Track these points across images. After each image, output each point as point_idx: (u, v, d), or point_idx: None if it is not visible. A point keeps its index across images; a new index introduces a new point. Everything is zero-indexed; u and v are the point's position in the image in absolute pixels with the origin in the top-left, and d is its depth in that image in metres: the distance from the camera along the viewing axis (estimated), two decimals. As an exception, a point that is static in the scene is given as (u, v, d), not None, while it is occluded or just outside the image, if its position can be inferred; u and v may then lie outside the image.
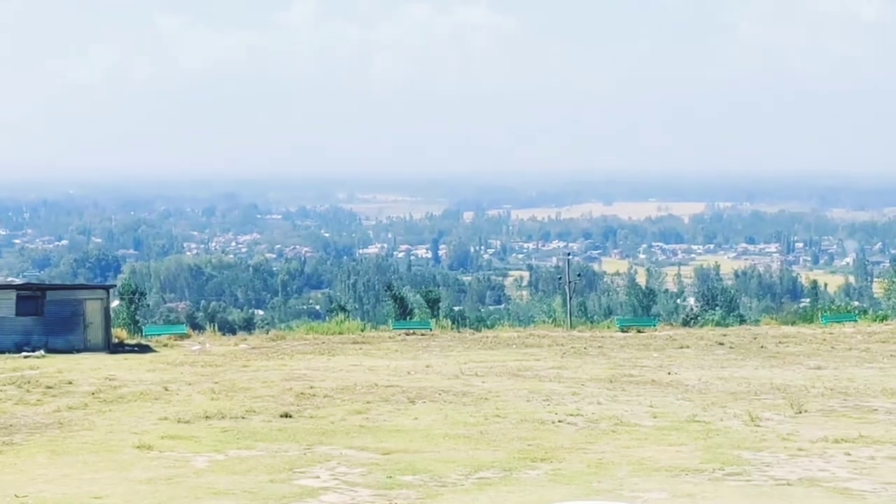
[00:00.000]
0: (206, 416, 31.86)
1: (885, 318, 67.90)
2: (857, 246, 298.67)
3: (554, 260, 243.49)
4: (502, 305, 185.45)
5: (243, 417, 32.03)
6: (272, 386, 38.19)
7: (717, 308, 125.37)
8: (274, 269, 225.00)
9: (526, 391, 36.83)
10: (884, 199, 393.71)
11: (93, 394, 36.42)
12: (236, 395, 36.13)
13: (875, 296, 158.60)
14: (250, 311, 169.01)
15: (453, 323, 71.46)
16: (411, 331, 58.23)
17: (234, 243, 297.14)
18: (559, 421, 31.06)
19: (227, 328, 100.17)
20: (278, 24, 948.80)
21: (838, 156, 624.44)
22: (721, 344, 50.99)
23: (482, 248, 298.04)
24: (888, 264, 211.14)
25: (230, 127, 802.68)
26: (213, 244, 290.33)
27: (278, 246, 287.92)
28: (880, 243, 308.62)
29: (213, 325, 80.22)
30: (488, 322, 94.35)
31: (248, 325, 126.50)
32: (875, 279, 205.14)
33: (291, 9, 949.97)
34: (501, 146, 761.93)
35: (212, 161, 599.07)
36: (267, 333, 64.25)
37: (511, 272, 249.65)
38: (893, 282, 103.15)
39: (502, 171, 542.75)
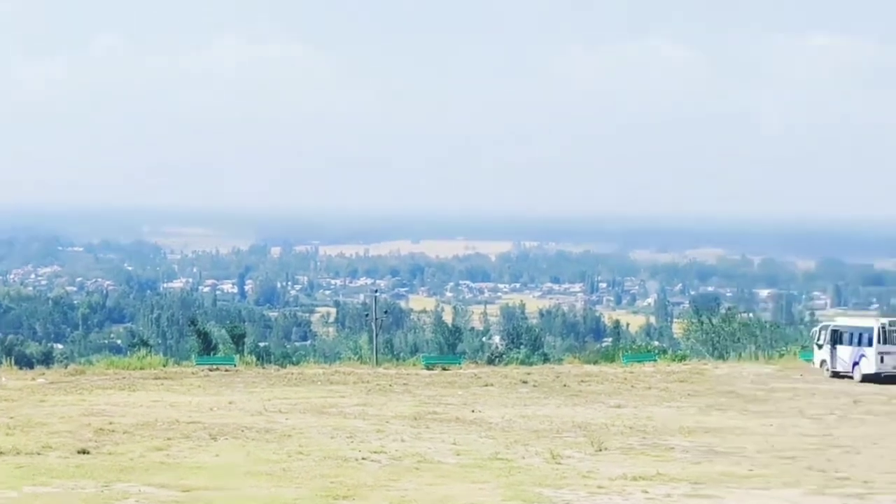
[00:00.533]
0: (0, 453, 30.65)
1: (683, 357, 69.70)
2: (658, 287, 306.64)
3: (361, 297, 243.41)
4: (308, 342, 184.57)
5: (39, 453, 30.92)
6: (70, 421, 37.05)
7: (522, 346, 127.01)
8: (75, 302, 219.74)
9: (330, 428, 36.53)
10: (685, 242, 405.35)
11: None
12: (32, 431, 34.91)
13: (674, 336, 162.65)
14: (49, 344, 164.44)
15: (258, 359, 70.57)
16: (215, 366, 57.38)
17: (33, 276, 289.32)
18: (362, 458, 30.83)
19: (25, 362, 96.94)
20: (84, 55, 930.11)
21: (643, 197, 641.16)
22: (525, 382, 51.50)
23: (289, 283, 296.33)
24: (687, 305, 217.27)
25: (32, 156, 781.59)
26: (12, 276, 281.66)
27: (80, 279, 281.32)
28: (681, 284, 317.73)
29: (10, 359, 77.40)
30: (294, 358, 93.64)
31: (47, 359, 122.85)
32: (675, 319, 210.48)
33: (97, 40, 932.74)
34: (310, 182, 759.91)
35: (11, 191, 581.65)
36: (66, 368, 62.55)
37: (318, 308, 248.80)
38: (692, 322, 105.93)
39: (310, 206, 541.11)
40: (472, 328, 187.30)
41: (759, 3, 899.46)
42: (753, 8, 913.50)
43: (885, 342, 52.95)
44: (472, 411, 41.51)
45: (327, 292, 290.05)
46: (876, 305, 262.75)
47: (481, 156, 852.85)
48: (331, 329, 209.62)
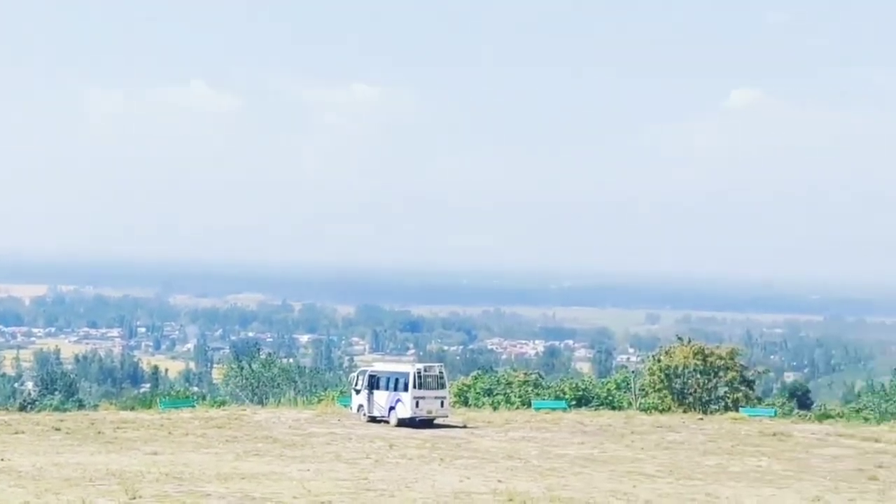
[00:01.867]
0: None
1: (222, 403, 69.15)
2: (198, 332, 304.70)
3: None
4: None
5: None
6: None
7: (56, 393, 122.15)
8: None
9: None
10: (226, 287, 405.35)
11: None
12: None
13: (214, 381, 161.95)
14: None
15: None
16: None
17: None
18: None
19: None
20: None
21: (182, 239, 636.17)
22: (58, 429, 49.30)
23: None
24: (227, 350, 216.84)
25: None
26: None
27: None
28: (221, 329, 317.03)
29: None
30: None
31: None
32: (215, 365, 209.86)
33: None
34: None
35: None
36: None
37: None
38: (232, 368, 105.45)
39: None
40: (4, 374, 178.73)
41: (299, 52, 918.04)
42: (293, 56, 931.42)
43: (420, 387, 54.59)
44: (1, 460, 39.12)
45: None
46: (412, 351, 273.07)
47: (22, 197, 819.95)
48: None
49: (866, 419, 77.00)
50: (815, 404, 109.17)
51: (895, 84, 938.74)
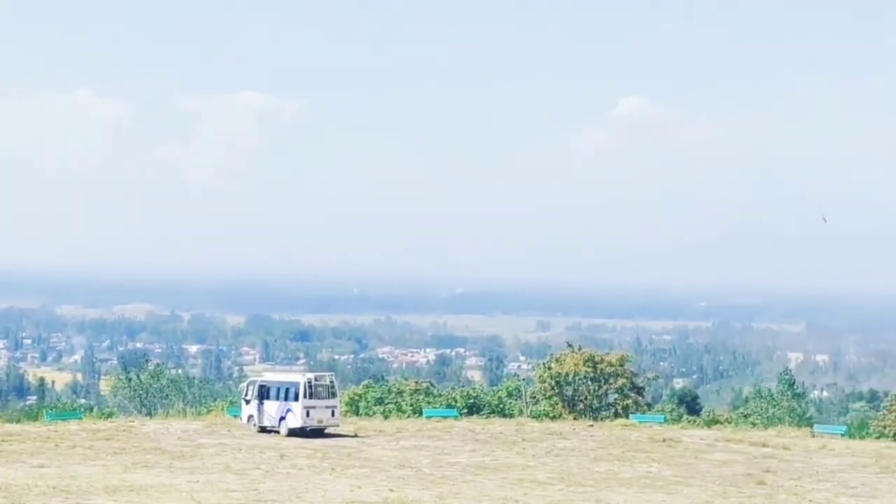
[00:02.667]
0: None
1: (110, 415, 68.10)
2: (85, 343, 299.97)
3: None
4: None
5: None
6: None
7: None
8: None
9: None
10: (114, 297, 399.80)
11: None
12: None
13: (102, 393, 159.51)
14: None
15: None
16: None
17: None
18: None
19: None
20: None
21: (69, 250, 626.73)
22: (-62, 444, 48.09)
23: None
24: (115, 361, 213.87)
25: None
26: None
27: None
28: (109, 340, 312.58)
29: None
30: None
31: None
32: (103, 376, 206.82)
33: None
34: None
35: None
36: None
37: None
38: (120, 379, 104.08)
39: None
40: None
41: (188, 59, 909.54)
42: (183, 64, 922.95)
43: (310, 397, 54.29)
44: None
45: None
46: (303, 360, 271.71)
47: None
48: None
49: (754, 424, 78.29)
50: (703, 410, 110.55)
51: (783, 91, 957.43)
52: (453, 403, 75.28)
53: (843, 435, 60.64)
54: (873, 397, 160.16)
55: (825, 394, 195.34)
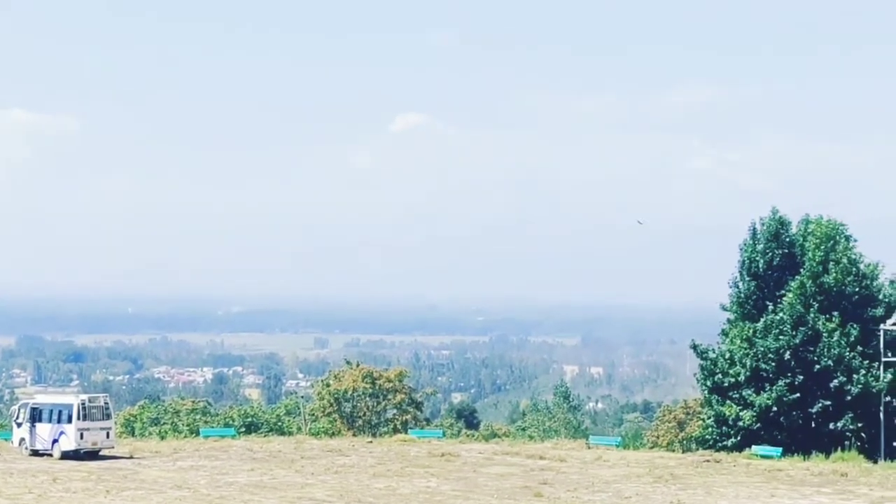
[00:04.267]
0: None
1: None
2: None
3: None
4: None
5: None
6: None
7: None
8: None
9: None
10: None
11: None
12: None
13: None
14: None
15: None
16: None
17: None
18: None
19: None
20: None
21: None
22: None
23: None
24: None
25: None
26: None
27: None
28: None
29: None
30: None
31: None
32: None
33: None
34: None
35: None
36: None
37: None
38: None
39: None
40: None
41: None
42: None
43: (84, 419, 52.90)
44: None
45: None
46: (77, 381, 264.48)
47: None
48: None
49: (531, 437, 79.81)
50: (482, 424, 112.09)
51: (561, 109, 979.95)
52: (231, 422, 74.53)
53: (617, 446, 62.22)
54: (647, 408, 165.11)
55: (600, 405, 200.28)
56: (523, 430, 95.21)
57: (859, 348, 57.52)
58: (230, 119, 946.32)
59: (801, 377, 57.09)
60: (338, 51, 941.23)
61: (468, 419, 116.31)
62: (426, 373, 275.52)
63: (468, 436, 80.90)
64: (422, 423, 78.40)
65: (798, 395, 56.70)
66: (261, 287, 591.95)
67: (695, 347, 61.94)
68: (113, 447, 54.61)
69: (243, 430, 72.46)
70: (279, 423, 78.82)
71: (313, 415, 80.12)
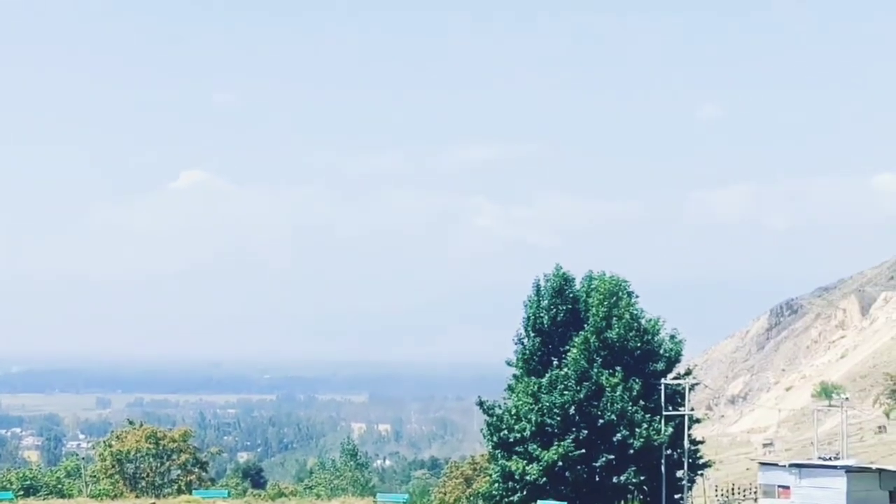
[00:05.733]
0: None
1: None
2: None
3: None
4: None
5: None
6: None
7: None
8: None
9: None
10: None
11: None
12: None
13: None
14: None
15: None
16: None
17: None
18: None
19: None
20: None
21: None
22: None
23: None
24: None
25: None
26: None
27: None
28: None
29: None
30: None
31: None
32: None
33: None
34: None
35: None
36: None
37: None
38: None
39: None
40: None
41: None
42: None
43: None
44: None
45: None
46: None
47: None
48: None
49: (318, 496, 79.05)
50: (268, 483, 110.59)
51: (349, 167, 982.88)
52: (9, 485, 71.79)
53: (404, 503, 62.09)
54: (434, 464, 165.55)
55: (388, 462, 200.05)
56: (310, 488, 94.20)
57: (641, 402, 58.70)
58: (9, 178, 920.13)
59: (586, 431, 57.91)
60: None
61: (254, 478, 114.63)
62: (212, 432, 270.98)
63: (254, 495, 79.62)
64: (207, 484, 76.73)
65: (583, 449, 57.47)
66: (40, 346, 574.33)
67: (481, 404, 62.17)
68: None
69: (21, 493, 69.80)
70: (59, 486, 76.21)
71: (95, 476, 77.68)
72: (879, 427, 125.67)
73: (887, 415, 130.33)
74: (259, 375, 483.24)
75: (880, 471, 57.95)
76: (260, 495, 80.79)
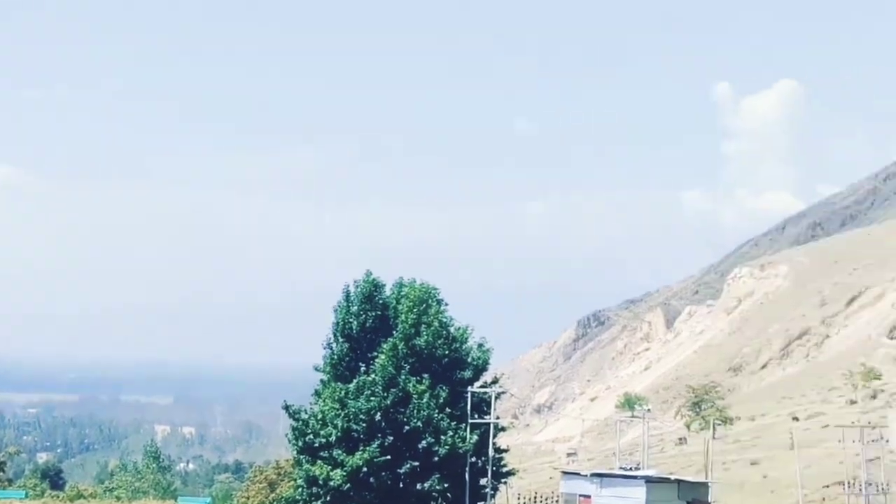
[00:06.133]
0: None
1: None
2: None
3: None
4: None
5: None
6: None
7: None
8: None
9: None
10: None
11: None
12: None
13: None
14: None
15: None
16: None
17: None
18: None
19: None
20: None
21: None
22: None
23: None
24: None
25: None
26: None
27: None
28: None
29: None
30: None
31: None
32: None
33: None
34: None
35: None
36: None
37: None
38: None
39: None
40: None
41: None
42: None
43: None
44: None
45: None
46: None
47: None
48: None
49: (119, 498, 77.58)
50: (67, 484, 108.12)
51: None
52: None
53: (206, 507, 61.37)
54: (238, 468, 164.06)
55: (192, 466, 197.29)
56: (111, 490, 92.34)
57: (448, 410, 59.11)
58: None
59: (392, 438, 58.02)
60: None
61: (53, 479, 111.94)
62: (11, 431, 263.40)
63: (53, 497, 77.60)
64: (4, 484, 74.70)
65: (388, 456, 57.56)
66: None
67: (287, 408, 61.70)
68: None
69: None
70: None
71: None
72: (680, 438, 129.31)
73: (688, 426, 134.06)
74: (62, 375, 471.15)
75: (679, 481, 59.58)
76: (59, 496, 78.74)
